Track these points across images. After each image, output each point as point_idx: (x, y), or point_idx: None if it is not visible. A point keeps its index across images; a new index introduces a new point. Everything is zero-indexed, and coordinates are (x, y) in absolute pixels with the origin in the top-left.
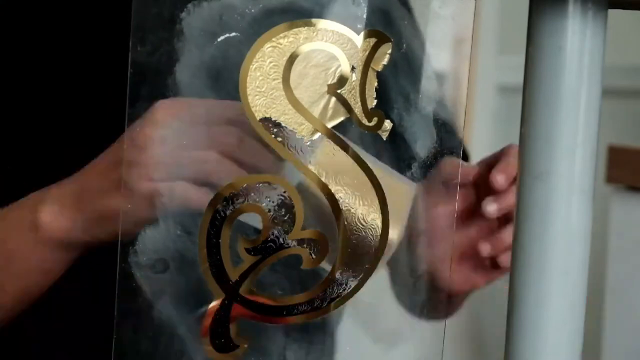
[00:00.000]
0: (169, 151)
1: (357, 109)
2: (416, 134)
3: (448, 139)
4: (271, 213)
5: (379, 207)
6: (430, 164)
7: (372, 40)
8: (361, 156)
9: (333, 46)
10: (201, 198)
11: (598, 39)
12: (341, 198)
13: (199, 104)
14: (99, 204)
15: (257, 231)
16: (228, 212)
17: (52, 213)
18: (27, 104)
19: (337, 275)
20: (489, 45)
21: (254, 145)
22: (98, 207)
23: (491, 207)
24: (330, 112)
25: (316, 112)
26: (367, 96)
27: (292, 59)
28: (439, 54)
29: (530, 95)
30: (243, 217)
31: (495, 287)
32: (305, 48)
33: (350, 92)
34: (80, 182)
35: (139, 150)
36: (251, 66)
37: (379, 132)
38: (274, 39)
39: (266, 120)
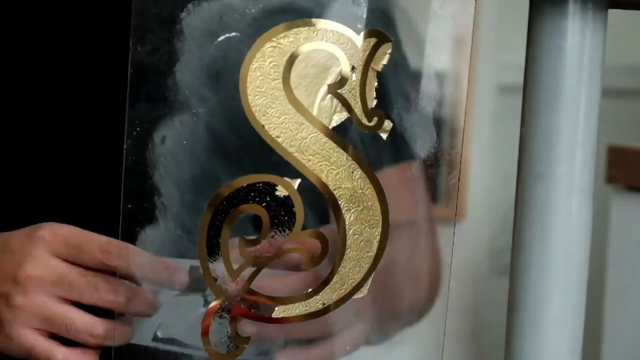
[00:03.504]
0: (48, 299)
1: (357, 109)
2: (416, 134)
3: (448, 139)
4: (271, 213)
5: (379, 207)
6: (430, 164)
7: (372, 40)
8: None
9: (333, 46)
10: None
11: (598, 39)
12: (341, 198)
13: (78, 237)
14: None
15: (257, 231)
16: (228, 212)
17: None
18: (27, 103)
19: (337, 275)
20: (489, 45)
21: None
22: None
23: None
24: (330, 112)
25: (316, 112)
26: (367, 96)
27: (292, 59)
28: (439, 54)
29: (530, 95)
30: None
31: (496, 287)
32: (305, 48)
33: (350, 92)
34: None
35: (18, 291)
36: (251, 66)
37: (379, 132)
38: (274, 39)
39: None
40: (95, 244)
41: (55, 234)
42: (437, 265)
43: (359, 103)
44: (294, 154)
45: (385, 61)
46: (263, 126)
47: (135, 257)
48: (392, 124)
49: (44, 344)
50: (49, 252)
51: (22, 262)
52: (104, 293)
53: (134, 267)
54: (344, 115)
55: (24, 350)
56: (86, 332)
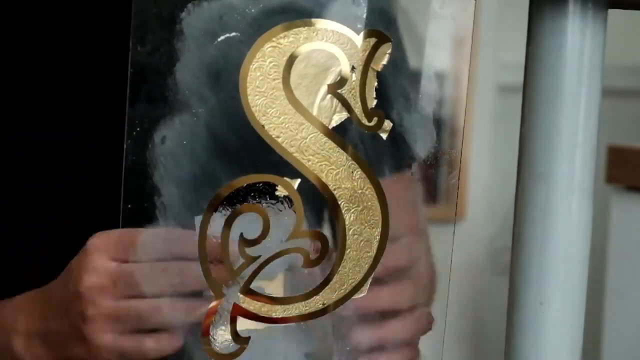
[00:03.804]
0: (114, 301)
1: (357, 109)
2: (416, 134)
3: (448, 139)
4: (271, 213)
5: (379, 207)
6: (430, 164)
7: (372, 40)
8: None
9: (333, 46)
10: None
11: (598, 39)
12: (341, 198)
13: (132, 236)
14: (64, 352)
15: (257, 231)
16: (228, 212)
17: (22, 346)
18: (27, 103)
19: (337, 275)
20: (488, 45)
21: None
22: (64, 354)
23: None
24: (330, 112)
25: (316, 112)
26: (367, 96)
27: (292, 59)
28: (439, 54)
29: (530, 95)
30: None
31: (496, 287)
32: (305, 48)
33: (350, 92)
34: (43, 320)
35: (86, 303)
36: (251, 66)
37: (379, 132)
38: (274, 39)
39: None
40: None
41: (106, 239)
42: (431, 269)
43: (359, 103)
44: (294, 154)
45: (385, 61)
46: (263, 126)
47: (189, 240)
48: (392, 124)
49: (130, 341)
50: (104, 258)
51: (81, 276)
52: (160, 279)
53: (189, 251)
54: (344, 115)
55: (116, 355)
56: (149, 314)
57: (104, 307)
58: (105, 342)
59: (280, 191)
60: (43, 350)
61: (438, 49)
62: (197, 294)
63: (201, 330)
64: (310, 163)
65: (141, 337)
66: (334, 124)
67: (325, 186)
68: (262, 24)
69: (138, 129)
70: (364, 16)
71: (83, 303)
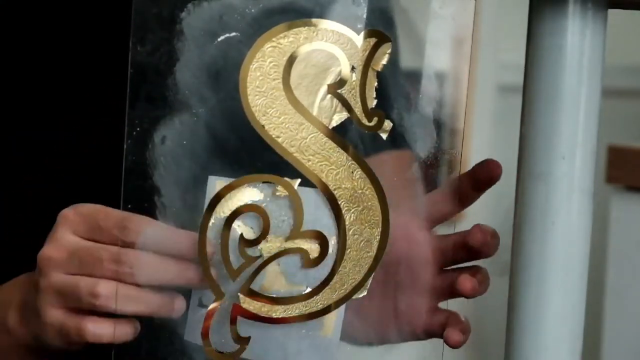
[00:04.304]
0: (61, 275)
1: (357, 109)
2: (416, 134)
3: (448, 139)
4: (271, 213)
5: (379, 207)
6: (430, 164)
7: (372, 40)
8: None
9: (333, 46)
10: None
11: (598, 39)
12: (341, 198)
13: (101, 214)
14: (34, 326)
15: (257, 231)
16: (228, 213)
17: (15, 320)
18: (27, 103)
19: (337, 275)
20: (488, 45)
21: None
22: (34, 328)
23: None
24: (330, 112)
25: (316, 112)
26: (367, 96)
27: (292, 59)
28: (439, 54)
29: (530, 95)
30: None
31: (496, 287)
32: (305, 48)
33: (350, 92)
34: (25, 292)
35: (40, 274)
36: (251, 66)
37: (379, 132)
38: (274, 39)
39: None
40: (112, 219)
41: (77, 213)
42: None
43: (359, 103)
44: (294, 154)
45: (385, 61)
46: (263, 126)
47: (152, 229)
48: (392, 124)
49: (72, 319)
50: (70, 231)
51: (44, 246)
52: (107, 264)
53: (150, 240)
54: (344, 115)
55: (56, 331)
56: (87, 293)
57: (52, 279)
58: (50, 316)
59: (280, 191)
60: (23, 325)
61: (438, 49)
62: (151, 287)
63: (201, 331)
64: (310, 163)
65: (84, 317)
66: (334, 124)
67: (325, 186)
68: (262, 24)
69: (138, 129)
70: (364, 16)
71: (38, 273)
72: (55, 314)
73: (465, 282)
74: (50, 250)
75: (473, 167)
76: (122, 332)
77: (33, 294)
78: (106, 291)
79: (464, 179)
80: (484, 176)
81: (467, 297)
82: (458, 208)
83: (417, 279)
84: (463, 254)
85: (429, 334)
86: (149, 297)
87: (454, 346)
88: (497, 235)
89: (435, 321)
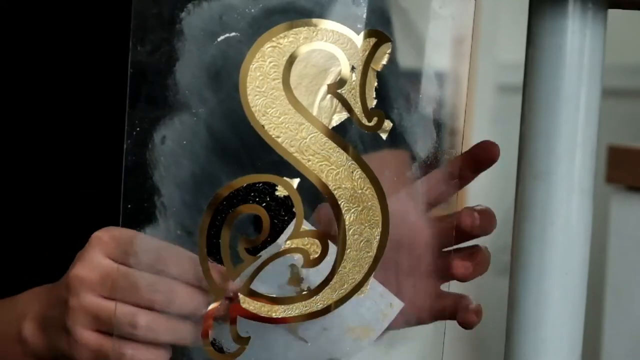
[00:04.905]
0: (95, 297)
1: (357, 109)
2: (416, 134)
3: (448, 139)
4: (271, 213)
5: (379, 207)
6: (430, 164)
7: (372, 40)
8: None
9: (333, 46)
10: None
11: (598, 39)
12: (341, 198)
13: (133, 239)
14: (55, 340)
15: (257, 231)
16: (228, 213)
17: (31, 331)
18: (26, 104)
19: (337, 275)
20: (489, 45)
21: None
22: (55, 343)
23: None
24: (330, 112)
25: (316, 112)
26: (367, 96)
27: (292, 59)
28: (439, 54)
29: (530, 95)
30: None
31: (496, 287)
32: (305, 48)
33: (350, 92)
34: (45, 305)
35: (70, 292)
36: (251, 66)
37: (379, 132)
38: (274, 39)
39: None
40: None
41: (110, 236)
42: None
43: (359, 103)
44: (294, 154)
45: (385, 61)
46: (263, 126)
47: (187, 261)
48: (392, 124)
49: (109, 342)
50: (103, 254)
51: (75, 265)
52: (144, 292)
53: (179, 271)
54: (344, 115)
55: (91, 352)
56: (127, 322)
57: (85, 300)
58: (84, 338)
59: (280, 191)
60: (42, 337)
61: (438, 49)
62: (182, 316)
63: (201, 331)
64: (310, 163)
65: (122, 343)
66: (334, 124)
67: (325, 186)
68: (262, 24)
69: (138, 129)
70: (364, 16)
71: (68, 291)
72: (89, 336)
73: (458, 266)
74: (82, 270)
75: (471, 148)
76: (156, 356)
77: (57, 310)
78: (145, 322)
79: (461, 160)
80: (482, 157)
81: (461, 281)
82: (455, 189)
83: (418, 262)
84: (460, 236)
85: (434, 317)
86: (181, 327)
87: (469, 327)
88: (488, 213)
89: (439, 304)
